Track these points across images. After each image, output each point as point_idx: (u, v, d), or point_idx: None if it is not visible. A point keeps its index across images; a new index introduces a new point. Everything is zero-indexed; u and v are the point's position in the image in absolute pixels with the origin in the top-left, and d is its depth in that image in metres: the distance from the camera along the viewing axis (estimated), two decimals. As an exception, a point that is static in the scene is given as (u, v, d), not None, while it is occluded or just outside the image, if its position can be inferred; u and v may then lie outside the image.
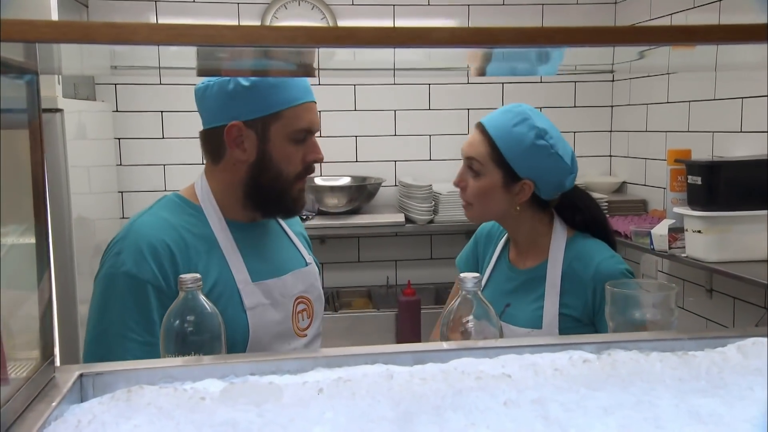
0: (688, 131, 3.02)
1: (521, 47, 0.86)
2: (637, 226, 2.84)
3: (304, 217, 2.82)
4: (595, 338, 1.17)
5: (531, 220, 1.68)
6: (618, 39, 0.80)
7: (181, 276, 1.17)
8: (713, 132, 2.87)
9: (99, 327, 1.37)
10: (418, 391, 0.98)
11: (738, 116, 2.71)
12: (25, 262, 0.98)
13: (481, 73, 1.22)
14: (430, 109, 3.42)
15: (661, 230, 2.62)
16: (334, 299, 3.19)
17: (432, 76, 3.28)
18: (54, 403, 0.92)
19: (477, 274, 1.23)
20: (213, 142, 1.46)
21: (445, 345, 1.19)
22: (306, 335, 1.54)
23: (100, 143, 3.02)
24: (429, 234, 3.41)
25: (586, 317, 1.59)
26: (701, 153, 2.79)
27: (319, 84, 3.31)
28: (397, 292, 3.02)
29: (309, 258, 1.61)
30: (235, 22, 3.28)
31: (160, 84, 3.23)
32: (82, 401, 0.98)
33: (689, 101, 3.00)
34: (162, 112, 3.28)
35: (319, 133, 3.74)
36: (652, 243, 2.65)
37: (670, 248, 2.58)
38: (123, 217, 3.25)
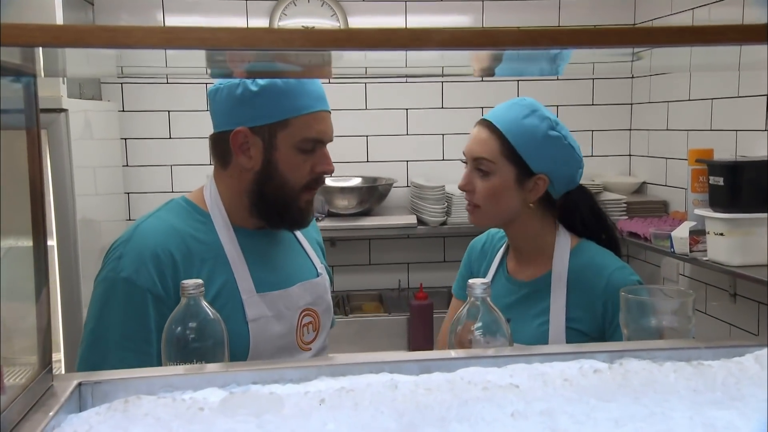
0: (711, 130, 2.96)
1: (523, 49, 0.83)
2: (657, 228, 2.79)
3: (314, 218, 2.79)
4: (608, 347, 1.13)
5: (538, 224, 1.60)
6: (622, 40, 0.77)
7: (183, 282, 1.16)
8: (737, 131, 2.81)
9: (95, 333, 1.35)
10: (422, 402, 0.95)
11: (762, 114, 2.64)
12: (23, 268, 0.96)
13: (488, 74, 1.19)
14: (443, 108, 3.38)
15: (681, 233, 2.57)
16: (345, 303, 3.16)
17: (443, 76, 3.26)
18: (51, 413, 0.90)
19: (486, 280, 1.20)
20: (221, 146, 1.44)
21: (453, 353, 1.16)
22: (310, 349, 1.50)
23: (106, 143, 3.01)
24: (442, 236, 3.38)
25: (595, 331, 1.51)
26: (724, 152, 2.73)
27: (329, 82, 3.30)
28: (409, 295, 2.99)
29: (321, 268, 1.57)
30: (243, 20, 3.27)
31: (167, 83, 3.22)
32: (80, 410, 0.97)
33: (712, 99, 2.94)
34: (169, 111, 3.28)
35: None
36: (672, 246, 2.60)
37: (691, 251, 2.53)
38: (129, 219, 3.25)
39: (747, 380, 0.95)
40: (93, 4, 3.14)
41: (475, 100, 3.37)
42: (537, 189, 1.56)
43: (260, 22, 3.26)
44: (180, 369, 1.10)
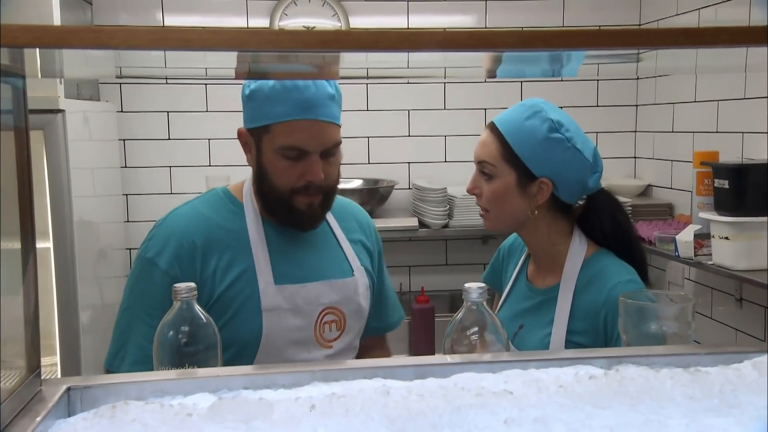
0: (717, 132, 2.93)
1: (517, 51, 0.82)
2: (661, 231, 2.76)
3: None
4: (605, 352, 1.12)
5: (548, 229, 1.55)
6: (617, 42, 0.76)
7: (175, 285, 1.15)
8: (743, 133, 2.78)
9: (123, 305, 1.47)
10: (414, 408, 0.94)
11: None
12: (10, 271, 0.96)
13: (490, 75, 1.18)
14: (445, 109, 3.36)
15: (686, 236, 2.54)
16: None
17: (445, 77, 3.24)
18: (39, 418, 0.90)
19: (482, 284, 1.18)
20: (244, 142, 1.52)
21: (448, 359, 1.15)
22: (332, 347, 1.51)
23: (105, 144, 3.00)
24: (444, 239, 3.36)
25: (597, 346, 1.44)
26: (730, 155, 2.71)
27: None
28: (411, 299, 2.96)
29: (359, 269, 1.55)
30: (243, 20, 3.26)
31: (166, 83, 3.21)
32: (69, 416, 0.96)
33: (718, 100, 2.92)
34: (168, 112, 3.27)
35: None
36: (677, 250, 2.57)
37: (695, 255, 2.50)
38: (127, 221, 3.24)
39: (744, 387, 0.94)
40: (92, 4, 3.13)
41: (478, 102, 3.35)
42: (541, 193, 1.51)
43: (261, 22, 3.25)
44: (170, 374, 1.09)
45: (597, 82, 3.44)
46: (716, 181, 2.45)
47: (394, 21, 3.31)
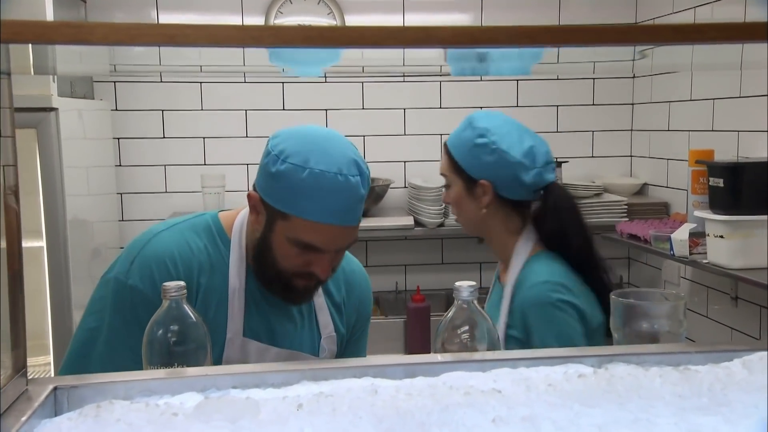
0: (712, 130, 2.93)
1: (502, 47, 0.82)
2: (657, 230, 2.76)
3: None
4: (596, 351, 1.12)
5: (502, 227, 1.67)
6: (605, 39, 0.75)
7: (165, 284, 1.14)
8: (738, 131, 2.78)
9: (94, 329, 1.36)
10: (402, 407, 0.93)
11: (764, 115, 2.61)
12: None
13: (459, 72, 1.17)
14: (441, 108, 3.36)
15: (681, 235, 2.54)
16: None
17: (441, 75, 3.23)
18: (24, 418, 0.89)
19: (472, 283, 1.18)
20: (248, 197, 1.38)
21: (439, 357, 1.14)
22: None
23: (99, 143, 2.99)
24: (440, 238, 3.35)
25: (529, 343, 1.53)
26: (725, 153, 2.70)
27: (325, 81, 3.28)
28: (406, 298, 2.96)
29: (329, 335, 1.47)
30: (238, 17, 3.25)
31: (161, 82, 3.20)
32: (56, 415, 0.95)
33: (713, 99, 2.91)
34: (162, 110, 3.25)
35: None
36: (672, 248, 2.57)
37: (690, 254, 2.50)
38: (122, 220, 3.23)
39: (734, 386, 0.93)
40: (85, 2, 3.11)
41: (474, 101, 3.35)
42: (485, 194, 1.63)
43: (256, 20, 3.24)
44: (158, 373, 1.08)
45: (593, 81, 3.44)
46: (711, 179, 2.45)
47: (390, 19, 3.30)
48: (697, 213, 2.50)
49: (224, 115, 3.27)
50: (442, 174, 1.73)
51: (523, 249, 1.63)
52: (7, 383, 0.93)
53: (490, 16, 3.36)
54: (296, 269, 1.33)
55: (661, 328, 1.23)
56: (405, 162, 3.36)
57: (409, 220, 3.01)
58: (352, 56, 1.31)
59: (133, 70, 2.76)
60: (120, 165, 3.23)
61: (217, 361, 1.34)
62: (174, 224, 1.42)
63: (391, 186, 3.15)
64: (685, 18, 3.01)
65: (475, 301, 1.18)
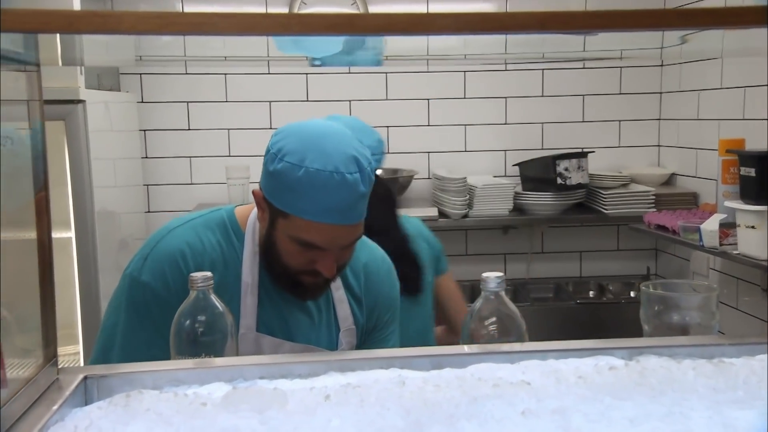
0: (743, 119, 2.87)
1: (530, 33, 0.80)
2: (685, 221, 2.72)
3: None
4: (627, 343, 1.10)
5: None
6: (638, 24, 0.73)
7: (192, 274, 1.15)
8: (770, 120, 2.72)
9: (107, 324, 1.38)
10: (430, 399, 0.93)
11: (796, 103, 2.56)
12: (27, 261, 0.96)
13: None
14: (465, 98, 3.33)
15: (711, 226, 2.50)
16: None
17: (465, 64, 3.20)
18: (55, 407, 0.90)
19: (500, 274, 1.17)
20: (253, 193, 1.38)
21: (465, 349, 1.14)
22: None
23: (125, 135, 3.01)
24: (464, 229, 3.33)
25: None
26: (756, 143, 2.65)
27: (349, 72, 3.27)
28: (432, 288, 2.95)
29: (348, 328, 1.45)
30: (262, 8, 3.25)
31: (186, 74, 3.21)
32: (86, 404, 0.96)
33: (744, 87, 2.85)
34: (188, 102, 3.26)
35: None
36: (701, 239, 2.53)
37: (720, 245, 2.46)
38: (148, 211, 3.25)
39: (770, 379, 0.91)
40: (112, -6, 3.14)
41: (498, 90, 3.32)
42: None
43: (279, 10, 3.23)
44: (186, 363, 1.08)
45: (620, 69, 3.39)
46: (742, 169, 2.40)
47: (414, 8, 3.28)
48: (728, 203, 2.46)
49: (249, 106, 3.27)
50: None
51: None
52: (39, 372, 0.94)
53: (515, 4, 3.32)
54: (301, 267, 1.32)
55: (692, 320, 1.21)
56: (429, 153, 3.34)
57: (433, 211, 2.99)
58: (375, 45, 1.30)
59: (158, 61, 2.77)
60: (146, 157, 3.25)
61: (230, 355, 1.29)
62: (189, 220, 1.42)
63: (416, 177, 3.14)
64: (715, 4, 2.95)
65: (503, 292, 1.17)
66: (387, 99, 3.30)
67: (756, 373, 0.93)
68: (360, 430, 0.86)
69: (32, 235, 0.97)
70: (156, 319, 1.31)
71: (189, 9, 3.22)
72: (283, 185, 1.25)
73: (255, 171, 3.11)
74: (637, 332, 1.28)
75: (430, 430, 0.87)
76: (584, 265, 3.45)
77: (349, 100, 3.30)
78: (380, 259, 1.54)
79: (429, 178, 3.30)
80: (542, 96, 3.36)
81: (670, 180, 3.36)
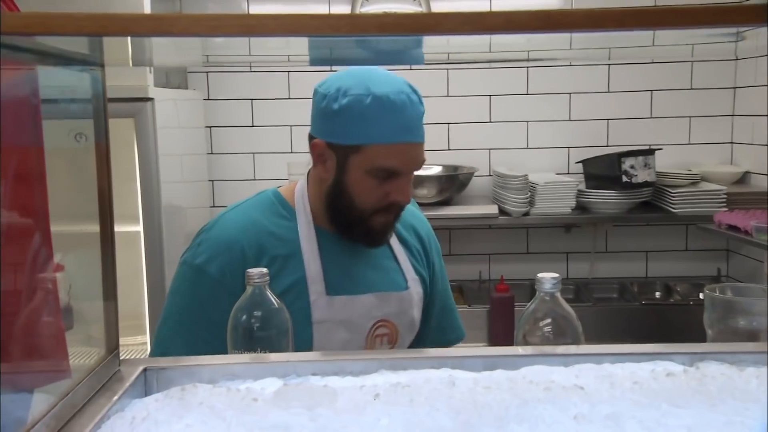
0: (823, 115, 2.74)
1: (587, 31, 0.78)
2: (759, 221, 2.61)
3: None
4: (688, 348, 1.06)
5: None
6: (699, 21, 0.70)
7: (249, 270, 1.17)
8: None
9: (166, 311, 1.42)
10: (480, 401, 0.92)
11: None
12: (90, 254, 1.00)
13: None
14: (527, 94, 3.27)
15: (785, 225, 2.39)
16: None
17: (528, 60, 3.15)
18: (115, 397, 0.93)
19: (555, 275, 1.15)
20: (310, 148, 1.42)
21: (520, 350, 1.12)
22: None
23: (192, 132, 3.08)
24: (525, 227, 3.28)
25: None
26: (836, 139, 2.52)
27: (410, 69, 3.26)
28: (490, 287, 2.91)
29: (414, 281, 1.50)
30: (325, 6, 3.27)
31: (251, 71, 3.27)
32: (146, 395, 0.99)
33: (824, 82, 2.72)
34: (252, 100, 3.32)
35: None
36: (775, 239, 2.43)
37: (796, 245, 2.36)
38: (213, 206, 3.31)
39: (840, 391, 0.87)
40: (182, -5, 3.22)
41: (562, 86, 3.25)
42: None
43: (342, 8, 3.25)
44: (241, 358, 1.11)
45: (691, 64, 3.27)
46: (820, 167, 2.29)
47: (477, 5, 3.25)
48: (804, 203, 2.35)
49: (311, 103, 3.31)
50: None
51: None
52: (101, 363, 0.97)
53: (581, 0, 3.25)
54: (376, 204, 1.36)
55: (760, 325, 1.17)
56: (490, 150, 3.30)
57: (493, 209, 2.96)
58: (435, 43, 1.29)
59: (224, 61, 2.82)
60: (211, 153, 3.32)
61: (306, 321, 1.36)
62: (237, 205, 1.49)
63: (476, 174, 3.11)
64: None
65: (558, 293, 1.15)
66: (448, 95, 3.27)
67: (824, 384, 0.89)
68: (408, 430, 0.87)
69: (97, 228, 1.00)
70: (203, 302, 1.36)
71: (254, 9, 3.28)
72: (353, 118, 1.31)
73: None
74: (705, 335, 1.24)
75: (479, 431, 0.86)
76: (650, 265, 3.35)
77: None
78: (413, 209, 1.62)
79: (489, 176, 3.26)
80: (608, 92, 3.28)
81: (743, 178, 3.23)
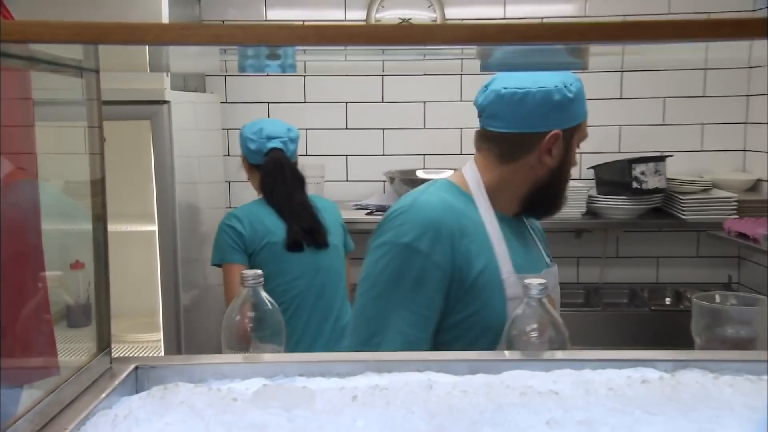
0: (837, 123, 2.71)
1: (585, 44, 0.80)
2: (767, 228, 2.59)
3: None
4: (671, 355, 1.07)
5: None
6: (714, 34, 0.72)
7: (243, 272, 1.20)
8: None
9: (373, 292, 1.43)
10: (456, 404, 0.94)
11: None
12: (81, 253, 1.03)
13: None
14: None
15: (795, 233, 2.37)
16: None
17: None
18: (103, 395, 0.96)
19: (542, 280, 1.16)
20: (515, 144, 1.50)
21: (506, 354, 1.14)
22: None
23: (209, 134, 3.14)
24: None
25: None
26: None
27: (424, 75, 3.28)
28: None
29: (548, 259, 1.66)
30: (341, 13, 3.31)
31: (268, 75, 3.31)
32: (136, 393, 1.01)
33: (839, 89, 2.69)
34: (268, 103, 3.36)
35: (423, 124, 3.62)
36: (784, 247, 2.41)
37: (804, 253, 2.33)
38: (228, 207, 3.36)
39: (812, 401, 0.87)
40: (200, 1, 3.26)
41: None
42: None
43: (358, 14, 3.28)
44: (232, 358, 1.13)
45: (704, 72, 3.25)
46: (830, 176, 2.27)
47: (491, 11, 3.26)
48: (814, 212, 2.33)
49: (325, 107, 3.34)
50: None
51: None
52: (91, 361, 1.00)
53: (595, 6, 3.24)
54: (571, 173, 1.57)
55: (748, 334, 1.17)
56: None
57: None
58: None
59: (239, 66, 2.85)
60: (228, 155, 3.37)
61: (501, 299, 1.44)
62: (424, 191, 1.54)
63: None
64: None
65: (545, 299, 1.16)
66: (462, 101, 3.28)
67: (797, 394, 0.89)
68: None
69: (87, 226, 1.03)
70: (424, 277, 1.40)
71: (272, 14, 3.32)
72: (579, 102, 1.49)
73: (330, 170, 3.19)
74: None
75: (453, 434, 0.88)
76: (661, 271, 3.34)
77: (423, 102, 3.32)
78: None
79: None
80: (620, 98, 3.27)
81: (755, 186, 3.21)
